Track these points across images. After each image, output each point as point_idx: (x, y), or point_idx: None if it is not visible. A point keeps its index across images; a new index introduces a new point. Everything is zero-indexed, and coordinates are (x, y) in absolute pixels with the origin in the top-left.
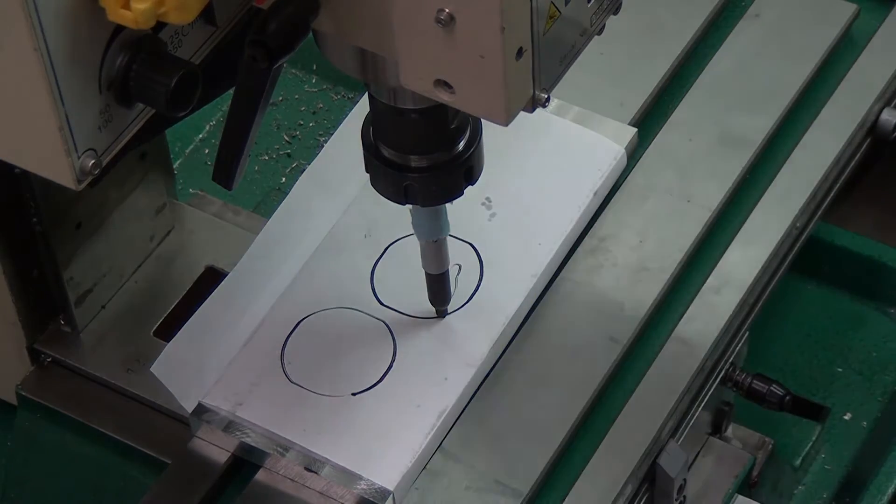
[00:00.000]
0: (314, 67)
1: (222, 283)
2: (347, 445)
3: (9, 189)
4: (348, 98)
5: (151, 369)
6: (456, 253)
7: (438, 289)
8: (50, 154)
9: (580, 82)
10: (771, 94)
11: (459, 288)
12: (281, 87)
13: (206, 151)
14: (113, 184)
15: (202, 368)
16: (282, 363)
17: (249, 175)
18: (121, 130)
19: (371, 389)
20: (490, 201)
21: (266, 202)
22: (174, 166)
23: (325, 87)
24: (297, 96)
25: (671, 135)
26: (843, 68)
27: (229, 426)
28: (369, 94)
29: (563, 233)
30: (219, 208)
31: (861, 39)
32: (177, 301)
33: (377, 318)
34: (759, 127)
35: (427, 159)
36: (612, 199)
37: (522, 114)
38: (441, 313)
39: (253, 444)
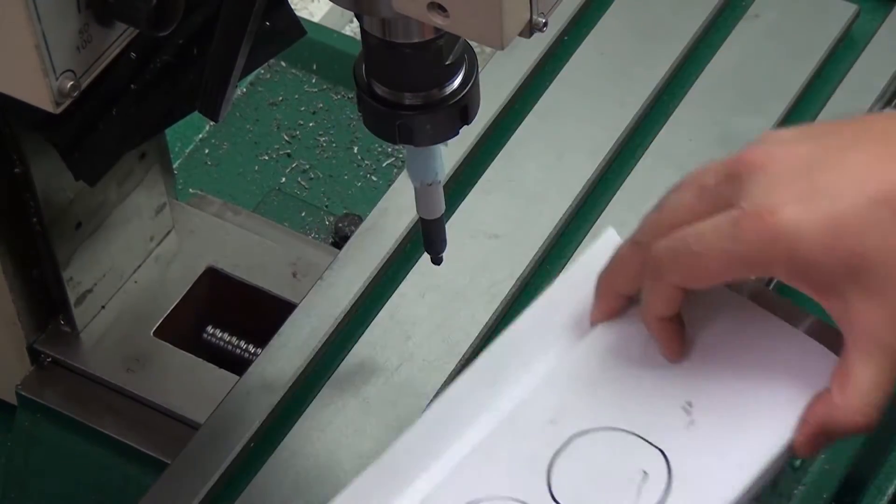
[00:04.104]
0: (314, 67)
1: (390, 449)
2: None
3: (9, 189)
4: (348, 98)
5: None
6: (642, 458)
7: (433, 235)
8: (26, 75)
9: (580, 82)
10: (771, 94)
11: (642, 499)
12: (281, 86)
13: (206, 151)
14: (113, 184)
15: None
16: None
17: (249, 175)
18: (101, 52)
19: None
20: (691, 406)
21: (266, 202)
22: (174, 166)
23: (325, 87)
24: (297, 96)
25: (671, 135)
26: (843, 68)
27: None
28: (362, 30)
29: (767, 455)
30: (219, 208)
31: (861, 39)
32: (177, 301)
33: None
34: (759, 127)
35: (421, 97)
36: (612, 199)
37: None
38: (436, 261)
39: None
